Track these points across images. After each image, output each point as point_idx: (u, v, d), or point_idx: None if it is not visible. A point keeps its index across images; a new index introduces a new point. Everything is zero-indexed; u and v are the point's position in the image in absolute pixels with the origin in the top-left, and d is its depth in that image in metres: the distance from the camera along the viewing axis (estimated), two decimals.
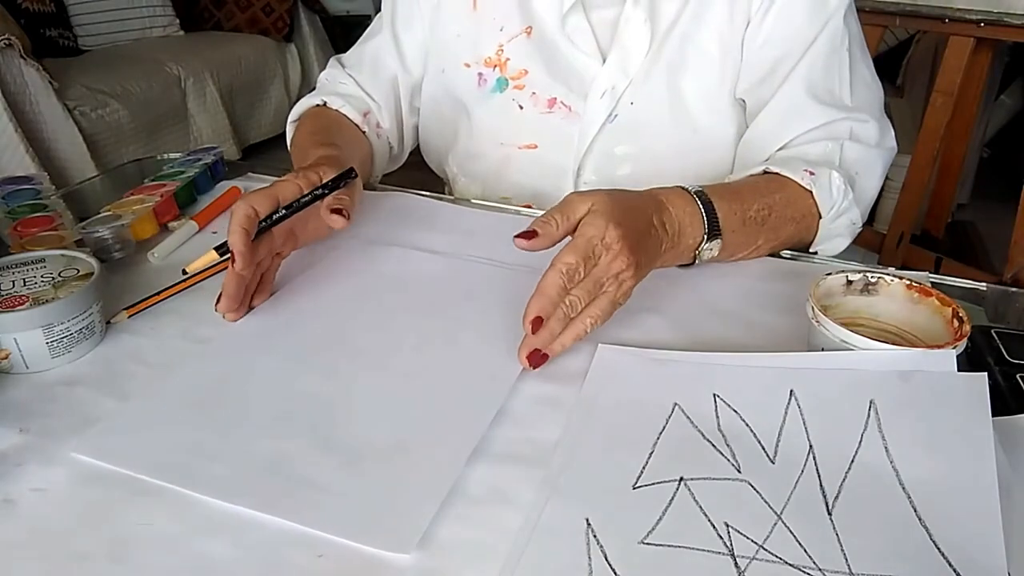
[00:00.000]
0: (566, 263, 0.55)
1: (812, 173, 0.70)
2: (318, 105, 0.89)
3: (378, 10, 0.95)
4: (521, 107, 0.85)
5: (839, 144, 0.74)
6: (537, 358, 0.55)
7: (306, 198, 0.64)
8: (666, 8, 0.78)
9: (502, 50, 0.85)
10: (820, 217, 0.72)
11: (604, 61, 0.80)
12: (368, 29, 0.95)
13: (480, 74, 0.86)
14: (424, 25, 0.89)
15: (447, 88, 0.89)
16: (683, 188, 0.65)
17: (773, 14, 0.75)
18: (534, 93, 0.84)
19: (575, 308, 0.56)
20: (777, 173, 0.71)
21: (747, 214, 0.67)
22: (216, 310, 0.60)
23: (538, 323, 0.54)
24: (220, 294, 0.60)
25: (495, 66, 0.85)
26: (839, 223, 0.74)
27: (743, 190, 0.69)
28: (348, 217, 0.64)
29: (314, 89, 0.95)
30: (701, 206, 0.64)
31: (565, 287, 0.55)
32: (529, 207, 0.87)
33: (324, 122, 0.86)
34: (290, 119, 0.92)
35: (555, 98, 0.83)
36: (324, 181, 0.66)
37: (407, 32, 0.90)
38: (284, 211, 0.63)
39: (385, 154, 0.93)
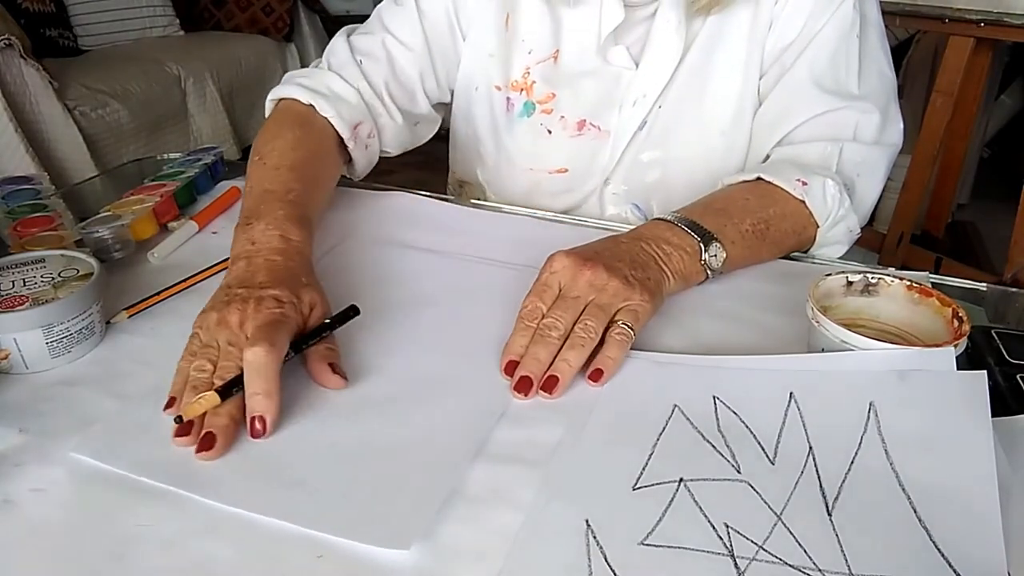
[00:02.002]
0: (523, 307, 0.57)
1: (804, 183, 0.70)
2: (305, 104, 0.79)
3: None
4: (550, 132, 0.84)
5: (839, 146, 0.73)
6: (526, 385, 0.52)
7: (313, 341, 0.55)
8: (695, 12, 0.77)
9: (528, 72, 0.84)
10: (818, 226, 0.71)
11: (637, 67, 0.80)
12: (384, 15, 0.85)
13: (508, 98, 0.85)
14: (440, 22, 0.85)
15: (478, 107, 0.88)
16: (659, 217, 0.66)
17: (792, 3, 0.75)
18: (563, 117, 0.83)
19: (556, 327, 0.55)
20: (769, 182, 0.71)
21: (741, 228, 0.67)
22: (177, 441, 0.48)
23: (513, 367, 0.54)
24: (190, 425, 0.48)
25: (522, 89, 0.84)
26: (836, 231, 0.73)
27: (730, 208, 0.68)
28: (344, 382, 0.54)
29: (308, 65, 0.87)
30: (679, 224, 0.65)
31: (530, 327, 0.56)
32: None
33: (306, 150, 0.74)
34: (272, 95, 0.83)
35: (584, 120, 0.83)
36: (327, 320, 0.57)
37: (427, 23, 0.84)
38: (292, 353, 0.53)
39: (371, 162, 0.86)
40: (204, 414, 0.49)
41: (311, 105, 0.79)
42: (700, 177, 0.81)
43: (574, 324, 0.55)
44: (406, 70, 0.85)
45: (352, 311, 0.59)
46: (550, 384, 0.52)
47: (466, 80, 0.88)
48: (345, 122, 0.79)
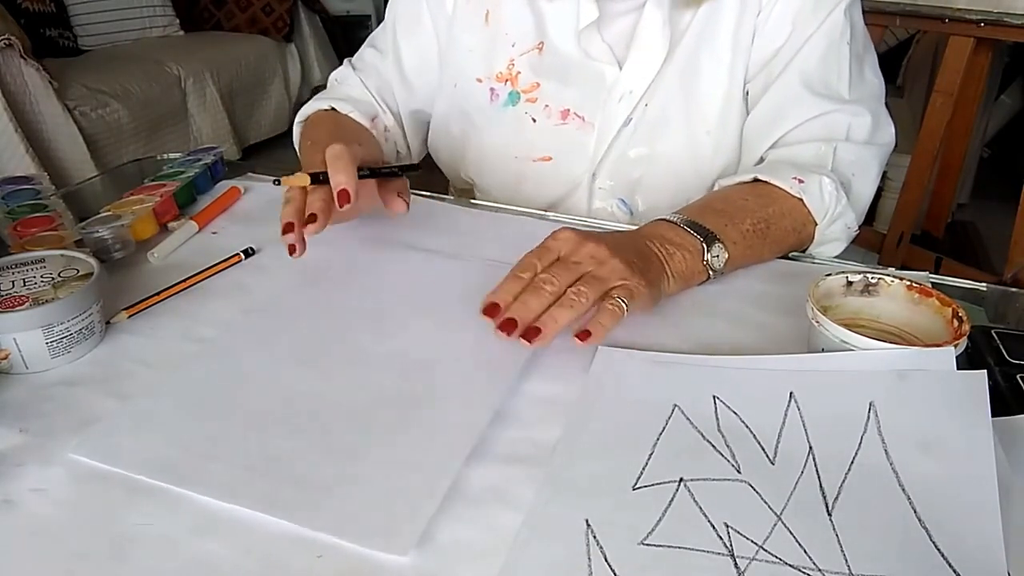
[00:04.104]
0: (519, 262, 0.58)
1: (801, 180, 0.70)
2: (326, 110, 0.89)
3: (378, 10, 0.95)
4: (534, 120, 0.85)
5: (832, 146, 0.74)
6: (510, 326, 0.54)
7: (385, 170, 0.68)
8: (682, 12, 0.78)
9: (513, 64, 0.84)
10: (816, 224, 0.72)
11: (620, 67, 0.80)
12: (374, 32, 0.95)
13: (492, 89, 0.86)
14: (430, 36, 0.89)
15: (458, 103, 0.89)
16: (662, 217, 0.67)
17: (781, 5, 0.76)
18: (547, 106, 0.84)
19: (551, 283, 0.55)
20: (766, 182, 0.71)
21: (742, 228, 0.67)
22: (285, 237, 0.63)
23: (493, 308, 0.55)
24: (292, 223, 0.63)
25: (506, 80, 0.85)
26: (834, 228, 0.73)
27: (730, 209, 0.69)
28: (408, 205, 0.70)
29: (322, 87, 0.96)
30: (682, 224, 0.65)
31: (520, 278, 0.57)
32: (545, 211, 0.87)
33: (345, 127, 0.86)
34: (297, 119, 0.91)
35: (568, 109, 0.83)
36: (394, 165, 0.71)
37: (408, 41, 0.90)
38: (368, 172, 0.67)
39: (392, 157, 0.93)
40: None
41: (332, 108, 0.89)
42: (687, 176, 0.82)
43: (568, 288, 0.56)
44: (389, 75, 0.92)
45: (417, 167, 0.73)
46: (532, 333, 0.53)
47: (445, 79, 0.90)
48: (364, 115, 0.88)
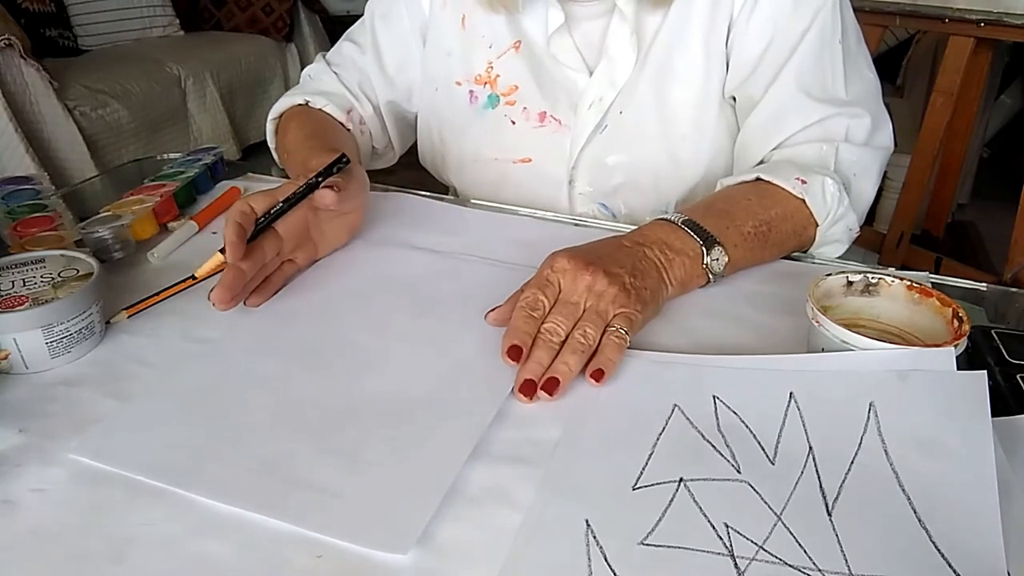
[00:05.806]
0: (523, 297, 0.58)
1: (804, 181, 0.70)
2: (300, 104, 0.88)
3: None
4: (513, 122, 0.86)
5: (834, 147, 0.74)
6: (530, 388, 0.52)
7: (301, 190, 0.65)
8: (651, 18, 0.78)
9: (491, 67, 0.85)
10: (818, 225, 0.72)
11: (591, 74, 0.81)
12: (351, 28, 0.95)
13: (471, 92, 0.87)
14: (408, 35, 0.90)
15: (440, 106, 0.90)
16: (663, 218, 0.66)
17: (760, 9, 0.75)
18: (525, 108, 0.85)
19: (557, 333, 0.55)
20: (769, 182, 0.71)
21: (743, 230, 0.67)
22: (209, 298, 0.58)
23: (516, 351, 0.54)
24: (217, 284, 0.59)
25: (485, 83, 0.86)
26: (835, 229, 0.73)
27: (732, 210, 0.68)
28: (338, 190, 0.65)
29: (308, 65, 0.96)
30: (683, 226, 0.65)
31: (532, 317, 0.56)
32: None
33: (315, 124, 0.85)
34: (271, 116, 0.91)
35: (545, 112, 0.84)
36: (316, 172, 0.66)
37: (388, 38, 0.91)
38: (281, 204, 0.64)
39: (368, 151, 0.93)
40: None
41: (306, 102, 0.88)
42: (667, 181, 0.83)
43: (572, 328, 0.56)
44: (365, 70, 0.92)
45: (342, 158, 0.68)
46: (550, 385, 0.52)
47: (427, 83, 0.90)
48: (339, 108, 0.88)
